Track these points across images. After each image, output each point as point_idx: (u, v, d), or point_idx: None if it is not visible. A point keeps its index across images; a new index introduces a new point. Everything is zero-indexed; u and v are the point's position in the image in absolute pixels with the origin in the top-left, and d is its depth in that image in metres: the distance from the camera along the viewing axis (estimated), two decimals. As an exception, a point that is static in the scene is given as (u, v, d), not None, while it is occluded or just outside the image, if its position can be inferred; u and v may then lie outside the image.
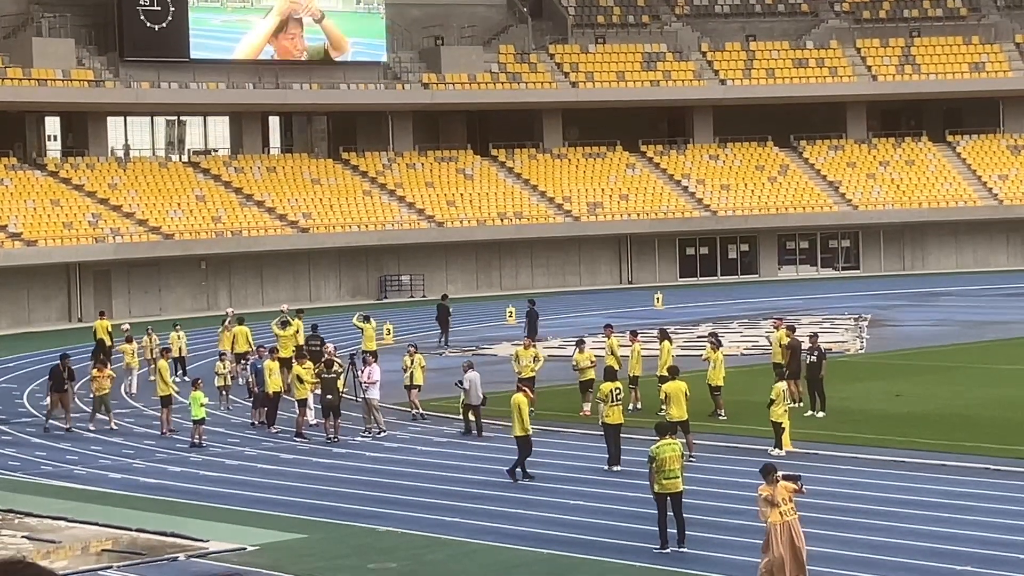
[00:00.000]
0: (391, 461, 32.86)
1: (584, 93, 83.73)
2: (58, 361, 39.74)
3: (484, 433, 35.22)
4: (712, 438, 33.12)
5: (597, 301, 69.55)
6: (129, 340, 46.10)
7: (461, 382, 35.88)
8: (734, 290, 74.50)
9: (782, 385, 31.94)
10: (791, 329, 39.21)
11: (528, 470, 29.83)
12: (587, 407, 36.61)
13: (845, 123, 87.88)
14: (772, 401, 31.55)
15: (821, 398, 36.32)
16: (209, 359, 47.03)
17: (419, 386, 38.39)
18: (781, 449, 31.05)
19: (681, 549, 23.45)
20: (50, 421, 38.99)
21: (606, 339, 39.18)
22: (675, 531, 23.58)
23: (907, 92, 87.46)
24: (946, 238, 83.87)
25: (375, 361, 37.02)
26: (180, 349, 47.15)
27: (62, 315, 68.62)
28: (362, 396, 36.78)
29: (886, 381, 41.70)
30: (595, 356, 38.44)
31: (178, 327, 48.75)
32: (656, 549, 23.54)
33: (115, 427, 38.49)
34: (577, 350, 38.13)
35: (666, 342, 37.57)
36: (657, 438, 23.91)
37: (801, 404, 36.61)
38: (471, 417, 35.63)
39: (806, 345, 37.78)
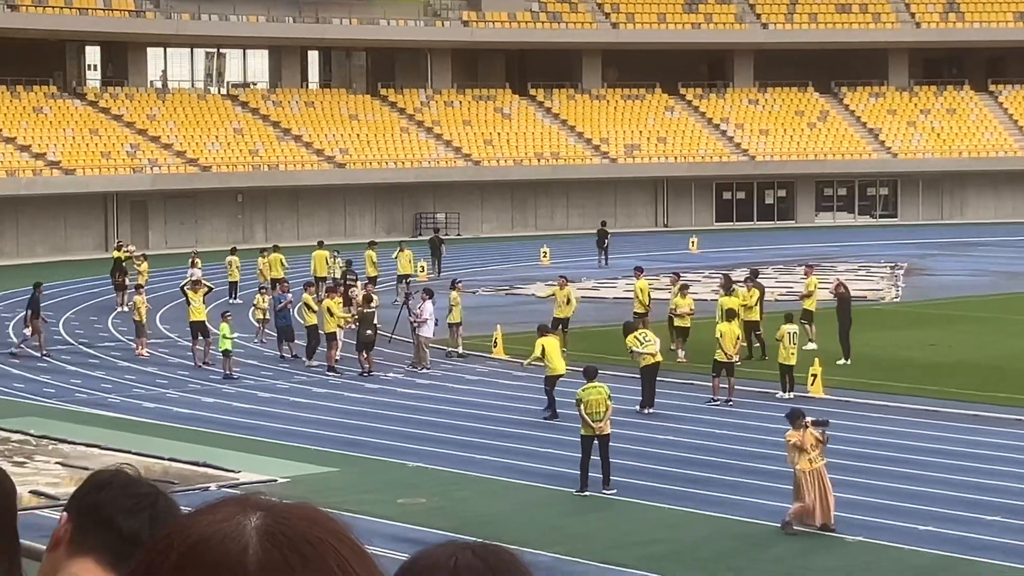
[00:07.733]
0: (423, 398, 32.97)
1: (624, 34, 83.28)
2: (33, 289, 39.96)
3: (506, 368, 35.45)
4: (745, 383, 33.08)
5: (632, 244, 69.39)
6: (142, 260, 49.50)
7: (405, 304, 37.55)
8: (770, 235, 74.23)
9: (788, 327, 32.08)
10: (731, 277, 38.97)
11: (557, 410, 29.97)
12: (681, 353, 36.15)
13: (887, 70, 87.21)
14: (779, 341, 31.99)
15: (845, 346, 36.02)
16: (248, 291, 47.24)
17: (459, 323, 38.34)
18: (788, 392, 31.33)
19: (606, 492, 23.66)
20: (23, 347, 39.25)
21: (635, 280, 39.17)
22: (599, 474, 23.80)
23: (950, 40, 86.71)
24: (985, 188, 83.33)
25: (430, 298, 36.83)
26: (234, 274, 49.50)
27: (99, 244, 68.79)
28: (414, 333, 36.70)
29: (920, 330, 41.57)
30: (694, 304, 37.43)
31: (235, 252, 50.87)
32: (575, 491, 23.70)
33: (145, 353, 38.82)
34: (680, 295, 37.29)
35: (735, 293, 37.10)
36: (584, 381, 24.50)
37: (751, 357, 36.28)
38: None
39: (830, 295, 37.73)
